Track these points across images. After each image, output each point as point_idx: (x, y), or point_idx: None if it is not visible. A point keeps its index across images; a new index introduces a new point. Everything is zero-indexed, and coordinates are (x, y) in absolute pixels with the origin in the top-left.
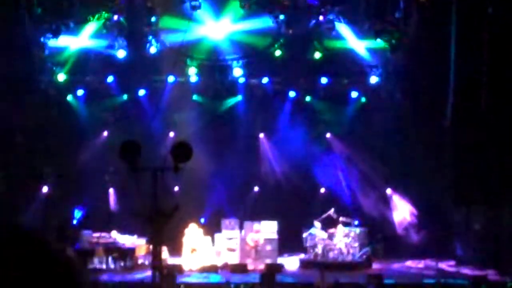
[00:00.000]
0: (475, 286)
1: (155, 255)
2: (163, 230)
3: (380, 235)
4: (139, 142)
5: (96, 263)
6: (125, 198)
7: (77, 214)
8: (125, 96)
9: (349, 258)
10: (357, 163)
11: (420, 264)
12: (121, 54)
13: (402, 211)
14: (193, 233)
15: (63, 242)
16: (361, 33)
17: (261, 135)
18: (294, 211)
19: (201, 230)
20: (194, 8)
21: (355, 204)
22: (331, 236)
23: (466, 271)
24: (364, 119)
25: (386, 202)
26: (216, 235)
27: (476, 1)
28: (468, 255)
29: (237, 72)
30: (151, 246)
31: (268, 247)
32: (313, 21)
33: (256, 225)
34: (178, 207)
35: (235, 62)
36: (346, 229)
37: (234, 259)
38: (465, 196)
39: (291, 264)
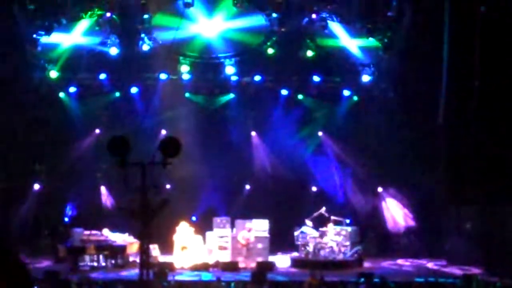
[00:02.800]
0: (466, 285)
1: (143, 251)
2: (151, 225)
3: (371, 234)
4: (127, 137)
5: (87, 260)
6: (116, 196)
7: (69, 211)
8: (117, 94)
9: (340, 256)
10: (349, 162)
11: (411, 263)
12: (113, 51)
13: (394, 211)
14: (183, 231)
15: (55, 239)
16: (354, 32)
17: (253, 133)
18: (285, 210)
19: (192, 228)
20: (187, 5)
21: (347, 203)
22: (322, 235)
23: (456, 270)
24: (356, 118)
25: (378, 201)
26: (208, 233)
27: (469, 2)
28: (458, 255)
29: (230, 70)
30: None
31: (260, 245)
32: (306, 19)
33: (248, 224)
34: (167, 202)
35: (227, 60)
36: (338, 228)
37: (225, 257)
38: (456, 196)
39: (282, 262)
